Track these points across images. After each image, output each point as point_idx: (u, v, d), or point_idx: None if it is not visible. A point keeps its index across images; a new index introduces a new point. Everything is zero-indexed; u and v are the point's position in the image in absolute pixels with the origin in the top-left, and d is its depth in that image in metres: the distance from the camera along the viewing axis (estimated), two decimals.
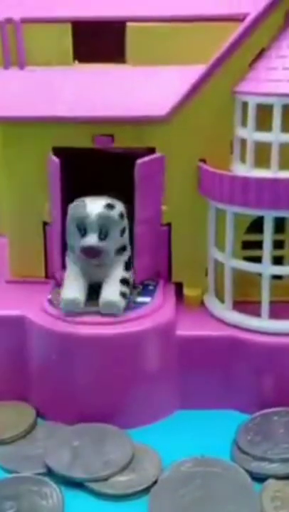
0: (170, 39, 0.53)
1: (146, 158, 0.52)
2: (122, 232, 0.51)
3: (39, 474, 0.45)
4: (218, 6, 0.53)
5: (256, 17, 0.51)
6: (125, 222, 0.51)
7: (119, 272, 0.51)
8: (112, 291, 0.50)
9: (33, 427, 0.49)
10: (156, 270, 0.56)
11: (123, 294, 0.51)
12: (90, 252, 0.50)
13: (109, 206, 0.50)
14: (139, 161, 0.52)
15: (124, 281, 0.51)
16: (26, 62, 0.55)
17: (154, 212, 0.54)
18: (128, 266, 0.52)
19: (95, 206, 0.50)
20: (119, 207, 0.51)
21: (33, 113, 0.53)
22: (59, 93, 0.53)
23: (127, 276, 0.52)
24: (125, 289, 0.51)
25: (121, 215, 0.51)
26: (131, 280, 0.52)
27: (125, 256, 0.52)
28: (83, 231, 0.50)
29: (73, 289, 0.51)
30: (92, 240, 0.49)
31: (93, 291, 0.51)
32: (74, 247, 0.51)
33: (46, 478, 0.44)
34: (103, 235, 0.49)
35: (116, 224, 0.50)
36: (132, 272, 0.53)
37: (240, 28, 0.51)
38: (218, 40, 0.51)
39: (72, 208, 0.51)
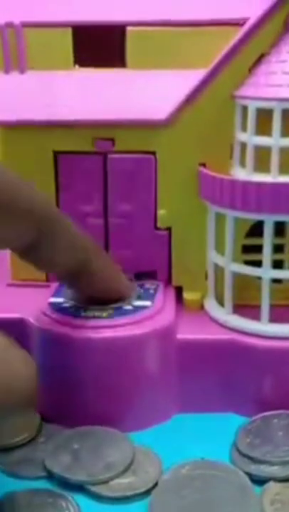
0: (170, 43, 0.53)
1: (120, 155, 0.54)
2: None
3: (39, 477, 0.45)
4: (219, 11, 0.53)
5: (256, 22, 0.51)
6: None
7: None
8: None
9: (37, 433, 0.49)
10: (143, 268, 0.56)
11: None
12: None
13: None
14: (110, 156, 0.53)
15: None
16: (27, 67, 0.55)
17: (135, 208, 0.55)
18: None
19: None
20: None
21: (34, 117, 0.53)
22: (60, 97, 0.54)
23: None
24: None
25: None
26: None
27: None
28: None
29: None
30: None
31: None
32: None
33: (60, 490, 0.44)
34: None
35: None
36: None
37: (240, 32, 0.51)
38: (218, 44, 0.51)
39: None
